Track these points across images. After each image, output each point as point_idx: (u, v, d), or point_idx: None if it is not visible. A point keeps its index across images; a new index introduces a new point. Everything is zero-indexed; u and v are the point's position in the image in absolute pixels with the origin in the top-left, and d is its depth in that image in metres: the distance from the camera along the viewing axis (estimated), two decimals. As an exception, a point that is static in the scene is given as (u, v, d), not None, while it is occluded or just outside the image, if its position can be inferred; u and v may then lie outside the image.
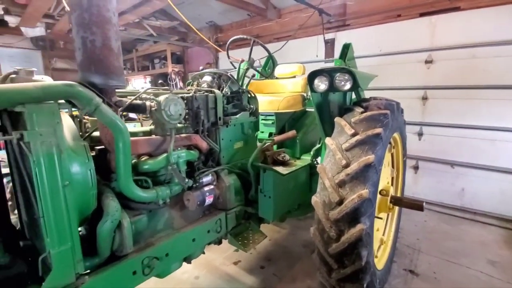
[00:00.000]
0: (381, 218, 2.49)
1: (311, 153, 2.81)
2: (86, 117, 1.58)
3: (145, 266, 1.49)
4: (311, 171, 2.72)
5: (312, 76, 2.15)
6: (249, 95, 2.27)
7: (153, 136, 1.66)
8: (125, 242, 1.38)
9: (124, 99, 1.44)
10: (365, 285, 1.87)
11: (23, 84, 1.03)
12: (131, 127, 2.06)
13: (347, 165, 1.82)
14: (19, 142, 1.02)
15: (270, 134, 2.93)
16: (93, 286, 1.26)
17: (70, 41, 7.02)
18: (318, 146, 2.80)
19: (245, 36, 2.39)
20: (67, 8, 3.60)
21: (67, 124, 1.23)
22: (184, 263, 1.88)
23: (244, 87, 2.30)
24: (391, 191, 2.51)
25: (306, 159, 2.83)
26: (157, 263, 1.52)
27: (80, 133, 1.49)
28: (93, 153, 1.44)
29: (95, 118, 1.56)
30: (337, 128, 2.05)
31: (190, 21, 6.59)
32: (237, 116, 2.14)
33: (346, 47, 2.79)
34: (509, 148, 3.53)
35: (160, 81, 2.25)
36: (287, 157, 2.59)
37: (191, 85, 2.24)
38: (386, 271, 2.52)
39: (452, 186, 4.01)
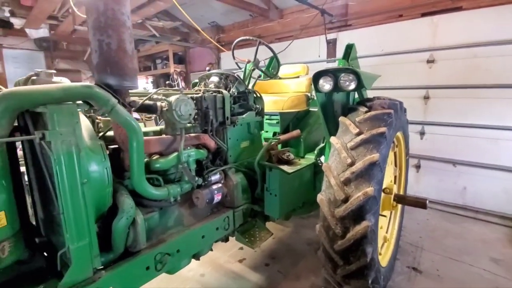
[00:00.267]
0: (385, 216, 2.53)
1: (315, 152, 2.85)
2: (98, 117, 1.62)
3: (158, 262, 1.53)
4: (315, 170, 2.76)
5: (317, 76, 2.19)
6: (255, 95, 2.31)
7: (164, 136, 1.71)
8: (138, 238, 1.42)
9: (137, 99, 1.49)
10: (370, 281, 1.91)
11: (46, 85, 1.07)
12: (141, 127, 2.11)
13: (352, 164, 1.85)
14: (40, 142, 1.07)
15: (275, 134, 2.97)
16: (109, 281, 1.31)
17: (73, 42, 7.07)
18: (322, 145, 2.84)
19: (251, 38, 2.43)
20: (75, 9, 3.65)
21: (84, 124, 1.28)
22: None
23: (250, 87, 2.34)
24: (395, 189, 2.56)
25: (310, 158, 2.87)
26: (169, 259, 1.56)
27: (94, 133, 1.53)
28: (107, 152, 1.48)
29: (108, 118, 1.62)
30: (342, 127, 2.09)
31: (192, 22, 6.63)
32: (244, 116, 2.18)
33: (349, 48, 2.83)
34: (511, 147, 3.57)
35: (167, 82, 2.28)
36: (292, 156, 2.64)
37: (198, 86, 2.28)
38: (389, 268, 2.56)
39: (454, 184, 4.05)
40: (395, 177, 2.92)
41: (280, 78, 3.45)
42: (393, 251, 2.70)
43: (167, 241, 1.59)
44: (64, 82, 1.21)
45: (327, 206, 1.87)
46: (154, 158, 1.63)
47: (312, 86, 2.32)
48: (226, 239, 2.20)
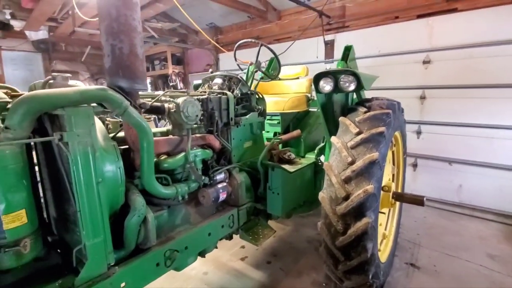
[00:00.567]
0: (383, 213, 2.61)
1: (315, 151, 2.91)
2: (107, 119, 1.67)
3: (167, 258, 1.59)
4: (316, 169, 2.83)
5: (317, 78, 2.25)
6: (257, 96, 2.37)
7: (171, 136, 1.76)
8: (149, 235, 1.47)
9: (146, 101, 1.54)
10: (370, 277, 1.97)
11: (64, 89, 1.12)
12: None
13: (352, 162, 1.91)
14: (58, 143, 1.11)
15: (275, 134, 3.03)
16: (122, 276, 1.36)
17: (72, 43, 7.08)
18: (322, 144, 2.91)
19: (253, 40, 2.49)
20: (77, 10, 3.67)
21: (98, 125, 1.33)
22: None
23: (252, 89, 2.40)
24: (393, 187, 2.63)
25: (311, 157, 2.93)
26: (177, 255, 1.62)
27: (104, 134, 1.58)
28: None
29: (116, 120, 1.67)
30: (342, 127, 2.15)
31: (191, 24, 6.66)
32: (247, 116, 2.24)
33: (348, 49, 2.89)
34: (506, 145, 3.66)
35: (172, 84, 2.33)
36: (293, 155, 2.70)
37: (202, 87, 2.34)
38: (389, 264, 2.63)
39: (450, 183, 4.14)
40: (393, 175, 3.00)
41: (280, 79, 3.51)
42: (391, 247, 2.77)
43: (176, 238, 1.65)
44: (78, 85, 1.26)
45: (329, 204, 1.92)
46: (163, 158, 1.68)
47: (312, 87, 2.38)
48: (230, 237, 2.25)
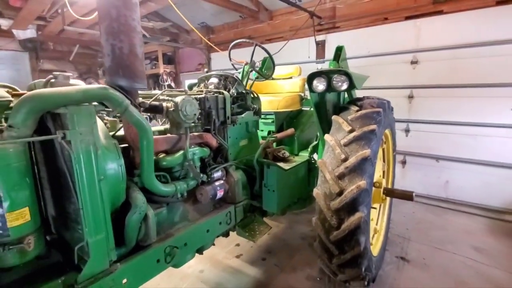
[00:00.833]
0: (375, 208, 2.69)
1: (309, 149, 2.97)
2: (106, 118, 1.68)
3: (167, 255, 1.61)
4: (309, 167, 2.89)
5: (311, 77, 2.31)
6: (252, 96, 2.41)
7: (170, 135, 1.78)
8: (150, 232, 1.50)
9: (145, 100, 1.56)
10: (363, 269, 2.04)
11: (66, 88, 1.14)
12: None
13: (345, 159, 1.98)
14: (61, 141, 1.13)
15: (270, 132, 3.08)
16: (124, 272, 1.38)
17: (60, 42, 6.95)
18: (315, 143, 2.97)
19: (247, 40, 2.53)
20: (69, 7, 3.62)
21: (99, 124, 1.34)
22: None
23: (247, 88, 2.44)
24: (384, 183, 2.72)
25: (304, 155, 2.99)
26: (177, 252, 1.64)
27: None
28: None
29: (114, 119, 1.68)
30: (335, 125, 2.21)
31: (182, 23, 6.63)
32: (243, 115, 2.28)
33: (339, 49, 2.95)
34: (489, 142, 3.82)
35: (167, 83, 2.35)
36: (287, 153, 2.76)
37: (198, 87, 2.36)
38: (380, 258, 2.72)
39: (437, 179, 4.29)
40: (383, 172, 3.09)
41: (273, 79, 3.56)
42: (383, 242, 2.86)
43: (175, 235, 1.68)
44: (80, 85, 1.28)
45: (323, 200, 1.98)
46: (161, 156, 1.70)
47: (305, 86, 2.44)
48: (227, 234, 2.29)
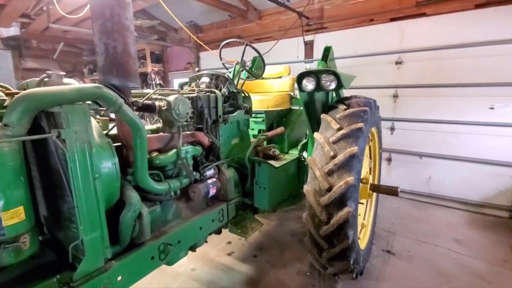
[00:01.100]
0: (362, 203, 2.78)
1: (298, 147, 3.04)
2: (97, 117, 1.68)
3: (161, 252, 1.63)
4: (299, 165, 2.95)
5: (300, 77, 2.36)
6: (243, 95, 2.45)
7: (162, 134, 1.80)
8: (144, 230, 1.51)
9: (138, 99, 1.57)
10: (351, 262, 2.12)
11: (60, 87, 1.14)
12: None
13: (334, 156, 2.04)
14: (56, 140, 1.13)
15: (260, 131, 3.12)
16: (119, 270, 1.40)
17: (44, 40, 6.76)
18: (304, 141, 3.04)
19: (238, 40, 2.56)
20: (56, 4, 3.53)
21: (93, 123, 1.35)
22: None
23: (238, 87, 2.47)
24: (370, 180, 2.81)
25: (294, 153, 3.06)
26: (171, 249, 1.66)
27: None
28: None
29: (106, 118, 1.69)
30: (324, 124, 2.28)
31: (171, 21, 6.58)
32: (234, 114, 2.31)
33: (327, 50, 3.03)
34: (470, 140, 4.00)
35: (155, 82, 2.35)
36: (277, 152, 2.81)
37: (189, 86, 2.37)
38: (367, 251, 2.81)
39: (420, 175, 4.46)
40: (370, 169, 3.20)
41: (263, 79, 3.61)
42: (369, 236, 2.96)
43: (169, 232, 1.70)
44: (73, 83, 1.28)
45: (313, 196, 2.05)
46: (155, 155, 1.72)
47: (295, 85, 2.49)
48: (219, 231, 2.32)
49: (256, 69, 3.27)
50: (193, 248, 2.03)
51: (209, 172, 2.05)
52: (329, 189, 1.99)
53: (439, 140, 4.23)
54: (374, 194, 3.10)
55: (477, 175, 3.99)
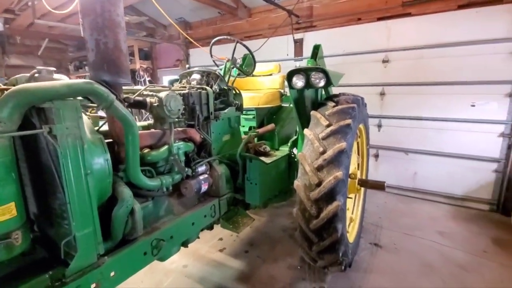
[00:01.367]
0: (351, 198, 2.86)
1: (289, 144, 3.08)
2: (87, 113, 1.67)
3: (154, 248, 1.64)
4: (289, 161, 3.00)
5: (290, 75, 2.40)
6: (234, 92, 2.47)
7: (154, 130, 1.80)
8: (136, 226, 1.52)
9: (129, 95, 1.57)
10: (340, 255, 2.19)
11: (52, 82, 1.13)
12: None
13: (323, 152, 2.09)
14: (47, 135, 1.13)
15: (251, 128, 3.15)
16: (112, 265, 1.40)
17: (28, 36, 6.57)
18: (295, 137, 3.09)
19: (229, 37, 2.57)
20: (43, 0, 3.43)
21: (84, 119, 1.34)
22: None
23: (229, 85, 2.49)
24: (358, 175, 2.89)
25: (284, 150, 3.10)
26: (163, 244, 1.68)
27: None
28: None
29: (96, 115, 1.68)
30: (314, 120, 2.33)
31: (159, 17, 6.49)
32: (226, 111, 2.33)
33: (316, 48, 3.08)
34: (453, 136, 4.14)
35: (144, 79, 2.34)
36: (268, 148, 2.85)
37: (180, 83, 2.38)
38: (356, 245, 2.90)
39: (406, 170, 4.59)
40: (358, 164, 3.28)
41: (254, 76, 3.63)
42: (358, 230, 3.05)
43: (161, 228, 1.71)
44: (64, 79, 1.27)
45: (303, 191, 2.09)
46: (146, 151, 1.72)
47: (285, 83, 2.53)
48: (211, 227, 2.34)
49: (247, 66, 3.29)
50: (185, 244, 2.05)
51: (201, 168, 2.07)
52: (318, 184, 2.04)
53: (424, 137, 4.36)
54: (362, 189, 3.18)
55: (460, 170, 4.15)
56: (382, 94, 4.62)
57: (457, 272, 2.72)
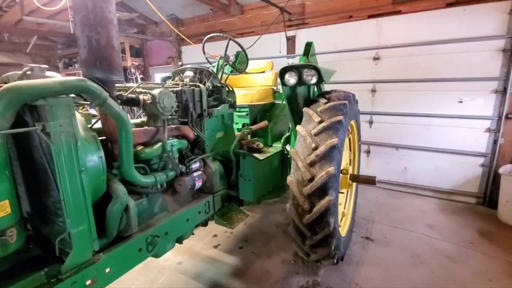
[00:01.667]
0: (343, 193, 2.91)
1: (282, 141, 3.12)
2: (79, 111, 1.66)
3: (149, 244, 1.65)
4: (282, 157, 3.04)
5: (283, 72, 2.43)
6: (227, 89, 2.48)
7: (147, 127, 1.81)
8: (131, 222, 1.53)
9: (122, 92, 1.57)
10: (333, 248, 2.24)
11: (44, 79, 1.13)
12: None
13: (316, 148, 2.13)
14: (41, 133, 1.13)
15: (244, 125, 3.17)
16: (107, 262, 1.41)
17: (17, 33, 6.42)
18: (287, 134, 3.12)
19: (221, 35, 2.58)
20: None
21: (77, 116, 1.34)
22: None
23: (222, 82, 2.50)
24: (350, 170, 2.94)
25: (277, 146, 3.14)
26: (158, 241, 1.69)
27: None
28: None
29: (88, 112, 1.68)
30: (306, 117, 2.36)
31: (150, 14, 6.42)
32: (219, 108, 2.35)
33: (309, 45, 3.11)
34: (441, 131, 4.24)
35: (141, 76, 2.34)
36: (261, 145, 2.88)
37: (173, 80, 2.37)
38: (348, 239, 2.96)
39: (397, 165, 4.68)
40: (350, 160, 3.33)
41: (247, 73, 3.64)
42: (350, 224, 3.11)
43: (156, 225, 1.72)
44: (56, 77, 1.27)
45: (296, 186, 2.13)
46: (140, 148, 1.73)
47: (278, 80, 2.55)
48: (205, 223, 2.36)
49: (240, 63, 3.30)
50: (180, 240, 2.07)
51: (195, 165, 2.08)
52: (311, 179, 2.08)
53: (413, 133, 4.45)
54: (354, 184, 3.24)
55: (448, 164, 4.26)
56: (373, 91, 4.68)
57: (445, 263, 2.81)
